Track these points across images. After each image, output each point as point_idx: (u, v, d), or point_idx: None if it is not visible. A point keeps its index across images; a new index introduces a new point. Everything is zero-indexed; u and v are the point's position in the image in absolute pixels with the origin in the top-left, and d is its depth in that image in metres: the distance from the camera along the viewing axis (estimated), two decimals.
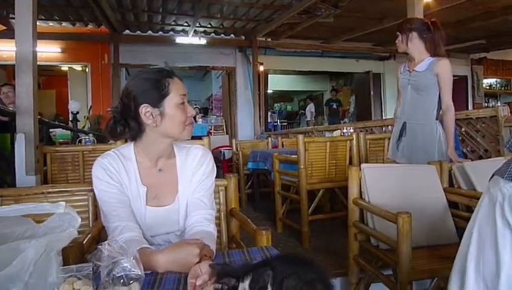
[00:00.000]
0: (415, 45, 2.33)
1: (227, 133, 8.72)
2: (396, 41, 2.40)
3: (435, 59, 2.27)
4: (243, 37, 8.07)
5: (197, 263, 0.92)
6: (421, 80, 2.31)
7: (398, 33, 2.38)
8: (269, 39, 8.28)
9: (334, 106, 10.75)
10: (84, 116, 7.21)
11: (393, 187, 1.94)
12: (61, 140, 5.34)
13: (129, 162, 1.17)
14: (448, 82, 2.26)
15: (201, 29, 7.40)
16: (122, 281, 0.71)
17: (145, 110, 1.11)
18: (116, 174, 1.14)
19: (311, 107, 12.23)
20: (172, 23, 7.02)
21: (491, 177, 1.06)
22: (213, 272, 0.79)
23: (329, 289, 0.72)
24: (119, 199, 1.13)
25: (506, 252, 0.93)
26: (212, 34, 7.73)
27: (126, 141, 1.30)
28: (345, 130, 3.72)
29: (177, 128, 1.14)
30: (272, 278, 0.69)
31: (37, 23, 2.65)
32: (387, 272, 1.86)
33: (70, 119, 6.02)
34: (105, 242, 0.74)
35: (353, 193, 1.95)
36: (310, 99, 13.08)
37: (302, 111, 12.61)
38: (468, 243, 1.03)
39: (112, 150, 1.20)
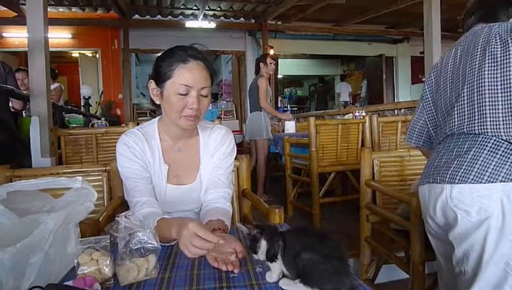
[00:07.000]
0: None
1: (237, 118, 8.71)
2: None
3: None
4: (253, 21, 7.96)
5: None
6: None
7: None
8: (279, 22, 8.15)
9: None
10: (96, 102, 7.26)
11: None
12: (74, 125, 5.40)
13: (153, 141, 1.19)
14: None
15: (211, 12, 7.32)
16: (139, 252, 0.72)
17: (151, 85, 1.13)
18: (140, 151, 1.15)
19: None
20: (182, 6, 6.96)
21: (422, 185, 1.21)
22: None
23: (345, 265, 0.71)
24: (142, 176, 1.15)
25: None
26: (222, 17, 7.65)
27: (138, 124, 1.30)
28: (357, 114, 3.68)
29: (172, 114, 1.10)
30: (283, 249, 0.72)
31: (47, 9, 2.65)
32: (400, 254, 1.86)
33: (83, 104, 6.06)
34: (122, 214, 0.75)
35: (365, 174, 1.94)
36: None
37: (338, 92, 10.67)
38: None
39: (136, 128, 1.22)
